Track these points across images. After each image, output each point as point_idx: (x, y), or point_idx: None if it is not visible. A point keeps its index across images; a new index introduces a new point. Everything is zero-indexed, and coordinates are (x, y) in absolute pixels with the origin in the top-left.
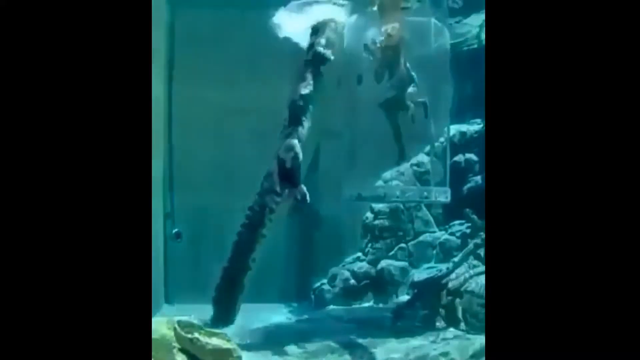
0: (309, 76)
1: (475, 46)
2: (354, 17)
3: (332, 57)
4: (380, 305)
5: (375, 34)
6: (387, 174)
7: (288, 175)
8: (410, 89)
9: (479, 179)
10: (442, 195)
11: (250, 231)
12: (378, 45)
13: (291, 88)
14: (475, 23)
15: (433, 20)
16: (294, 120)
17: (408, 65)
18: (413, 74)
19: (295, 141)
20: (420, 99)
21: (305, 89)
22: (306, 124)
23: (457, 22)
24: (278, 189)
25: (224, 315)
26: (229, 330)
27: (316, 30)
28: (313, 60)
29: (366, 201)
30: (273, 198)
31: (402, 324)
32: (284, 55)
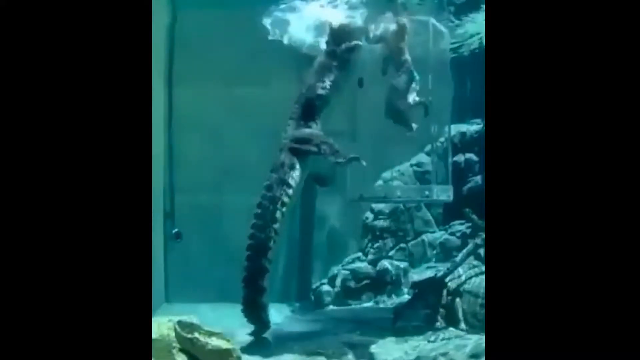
0: (330, 78)
1: (475, 46)
2: (362, 13)
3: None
4: (380, 305)
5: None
6: (387, 174)
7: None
8: (412, 85)
9: (479, 179)
10: (445, 193)
11: (262, 231)
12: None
13: (307, 84)
14: (475, 23)
15: (432, 20)
16: (306, 116)
17: (410, 59)
18: (414, 72)
19: (310, 129)
20: (420, 99)
21: (323, 90)
22: (318, 122)
23: (457, 24)
24: (289, 179)
25: (259, 323)
26: (227, 330)
27: (341, 32)
28: (338, 64)
29: (368, 202)
30: (285, 190)
31: (402, 324)
32: (285, 55)
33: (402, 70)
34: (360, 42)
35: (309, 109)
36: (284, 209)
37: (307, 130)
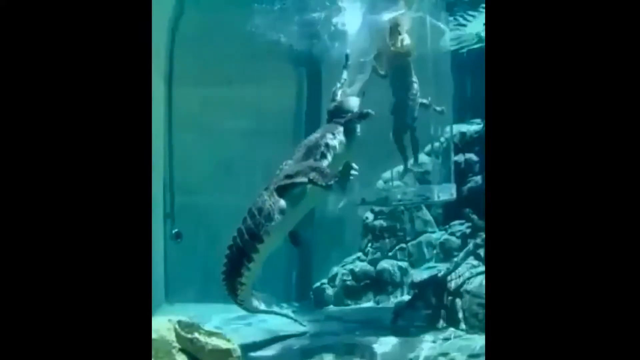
0: (339, 134)
1: (476, 46)
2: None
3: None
4: (380, 305)
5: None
6: (387, 174)
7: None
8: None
9: (479, 179)
10: (448, 192)
11: (230, 278)
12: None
13: (315, 135)
14: (475, 23)
15: (428, 17)
16: (308, 158)
17: (416, 81)
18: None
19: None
20: (423, 101)
21: (332, 140)
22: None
23: (458, 23)
24: (262, 233)
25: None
26: (227, 329)
27: (342, 107)
28: (345, 130)
29: (371, 205)
30: (254, 245)
31: (402, 324)
32: (284, 55)
33: (409, 89)
34: (370, 112)
35: (313, 151)
36: (250, 264)
37: (295, 166)
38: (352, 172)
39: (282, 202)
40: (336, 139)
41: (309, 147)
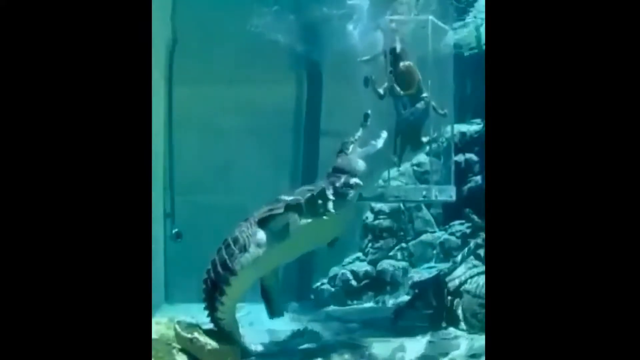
0: (331, 192)
1: (476, 47)
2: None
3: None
4: (380, 305)
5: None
6: (387, 174)
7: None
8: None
9: (479, 179)
10: (447, 194)
11: (208, 313)
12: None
13: (312, 186)
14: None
15: (431, 17)
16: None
17: (425, 95)
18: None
19: None
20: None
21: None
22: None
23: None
24: (236, 265)
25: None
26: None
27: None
28: (334, 193)
29: (367, 200)
30: (227, 278)
31: (402, 324)
32: (284, 55)
33: (418, 104)
34: (359, 183)
35: (299, 195)
36: (223, 298)
37: (278, 202)
38: (329, 206)
39: (261, 234)
40: (330, 195)
41: (297, 193)
